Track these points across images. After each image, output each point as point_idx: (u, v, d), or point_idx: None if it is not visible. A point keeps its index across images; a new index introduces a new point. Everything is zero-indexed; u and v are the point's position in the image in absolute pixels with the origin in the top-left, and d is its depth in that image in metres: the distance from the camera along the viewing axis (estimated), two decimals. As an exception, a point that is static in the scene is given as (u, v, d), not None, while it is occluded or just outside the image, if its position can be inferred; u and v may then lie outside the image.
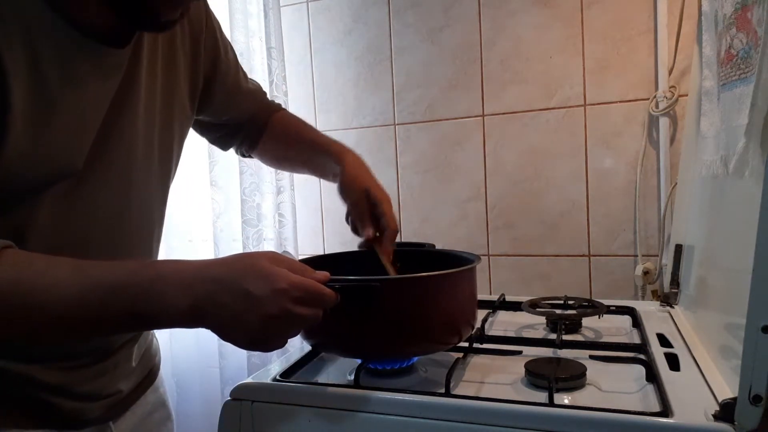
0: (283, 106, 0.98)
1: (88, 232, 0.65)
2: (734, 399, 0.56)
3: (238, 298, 0.54)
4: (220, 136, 0.93)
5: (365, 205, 0.84)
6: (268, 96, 0.99)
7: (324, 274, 0.60)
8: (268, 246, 1.47)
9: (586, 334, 0.93)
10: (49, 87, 0.57)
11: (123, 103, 0.65)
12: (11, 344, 0.63)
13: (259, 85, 0.95)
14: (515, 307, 1.03)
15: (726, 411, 0.56)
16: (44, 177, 0.58)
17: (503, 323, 1.01)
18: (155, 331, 0.89)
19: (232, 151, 0.98)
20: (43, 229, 0.60)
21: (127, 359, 0.77)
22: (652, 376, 0.70)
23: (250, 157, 0.97)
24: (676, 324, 0.93)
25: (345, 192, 0.86)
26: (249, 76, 0.94)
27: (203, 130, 0.93)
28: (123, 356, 0.75)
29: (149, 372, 0.84)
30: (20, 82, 0.54)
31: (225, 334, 0.57)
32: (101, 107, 0.63)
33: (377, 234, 0.85)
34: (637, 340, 0.88)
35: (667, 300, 1.04)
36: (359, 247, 0.86)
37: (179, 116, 0.76)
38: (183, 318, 0.55)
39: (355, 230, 0.88)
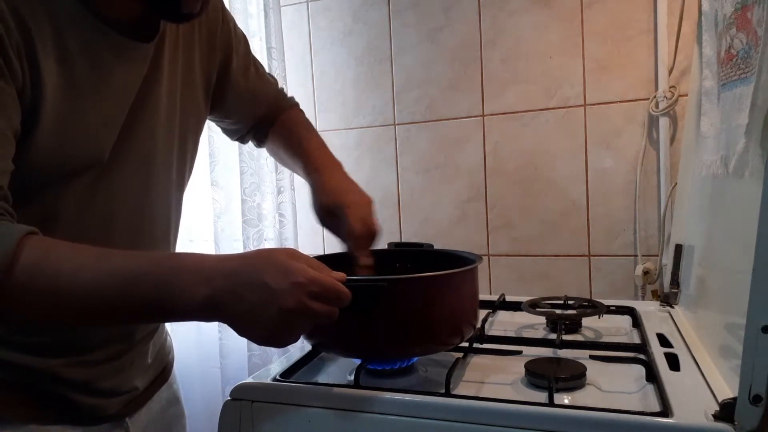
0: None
1: (110, 220, 0.66)
2: (734, 399, 0.56)
3: (256, 291, 0.55)
4: (240, 137, 0.95)
5: (330, 221, 0.82)
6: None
7: (340, 275, 0.60)
8: (269, 246, 1.47)
9: (586, 334, 0.93)
10: (79, 79, 0.59)
11: (147, 95, 0.67)
12: (32, 332, 0.64)
13: (273, 82, 0.94)
14: (515, 307, 1.03)
15: (726, 411, 0.56)
16: (72, 167, 0.60)
17: (503, 323, 1.01)
18: (169, 328, 0.90)
19: (232, 151, 0.99)
20: (68, 217, 0.62)
21: (143, 356, 0.78)
22: (652, 376, 0.70)
23: (262, 147, 0.97)
24: (676, 324, 0.93)
25: (313, 215, 0.84)
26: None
27: (224, 131, 0.95)
28: (139, 353, 0.76)
29: (163, 369, 0.85)
30: (52, 73, 0.56)
31: (240, 328, 0.57)
32: (127, 99, 0.64)
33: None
34: (637, 340, 0.88)
35: (667, 300, 1.04)
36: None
37: (195, 109, 0.77)
38: (200, 309, 0.55)
39: None
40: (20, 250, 0.51)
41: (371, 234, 0.80)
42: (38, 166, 0.57)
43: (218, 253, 1.45)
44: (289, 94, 0.95)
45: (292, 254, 0.58)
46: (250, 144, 0.99)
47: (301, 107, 0.97)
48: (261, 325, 0.56)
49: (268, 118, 0.92)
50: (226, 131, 0.95)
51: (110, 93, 0.62)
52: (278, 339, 0.58)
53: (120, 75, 0.63)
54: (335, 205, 0.80)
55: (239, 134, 0.94)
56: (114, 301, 0.54)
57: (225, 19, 0.81)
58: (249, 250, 1.44)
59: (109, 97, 0.62)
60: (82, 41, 0.59)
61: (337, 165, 0.86)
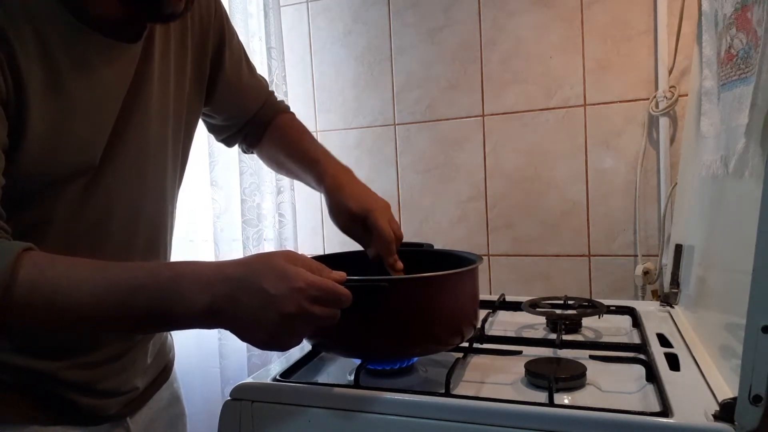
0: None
1: (104, 223, 0.66)
2: (734, 399, 0.56)
3: (255, 297, 0.55)
4: (226, 135, 0.94)
5: (355, 227, 0.83)
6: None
7: (341, 274, 0.60)
8: (269, 246, 1.47)
9: (586, 334, 0.93)
10: (64, 84, 0.58)
11: (136, 97, 0.66)
12: (34, 342, 0.64)
13: (264, 82, 0.94)
14: (515, 307, 1.03)
15: (726, 411, 0.56)
16: (63, 173, 0.60)
17: (503, 323, 1.01)
18: None
19: (232, 151, 0.98)
20: (62, 222, 0.61)
21: (144, 356, 0.77)
22: (652, 376, 0.70)
23: (251, 152, 0.97)
24: (676, 324, 0.93)
25: (333, 220, 0.84)
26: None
27: (209, 127, 0.93)
28: (139, 353, 0.76)
29: (164, 368, 0.85)
30: (36, 81, 0.56)
31: (242, 333, 0.57)
32: (115, 102, 0.64)
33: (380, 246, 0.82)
34: (637, 340, 0.88)
35: (667, 300, 1.04)
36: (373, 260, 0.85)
37: (189, 106, 0.77)
38: (201, 317, 0.55)
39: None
40: (18, 267, 0.50)
41: (399, 238, 0.82)
42: (30, 174, 0.57)
43: (217, 255, 1.45)
44: (289, 94, 0.95)
45: (291, 258, 0.58)
46: (249, 144, 0.99)
47: (301, 107, 0.97)
48: (262, 330, 0.56)
49: (261, 120, 0.91)
50: (213, 128, 0.93)
51: (98, 96, 0.61)
52: (280, 343, 0.58)
53: (107, 77, 0.62)
54: (363, 210, 0.81)
55: (227, 133, 0.92)
56: (114, 313, 0.54)
57: (218, 12, 0.81)
58: (248, 249, 1.44)
59: (97, 100, 0.61)
60: (66, 45, 0.58)
61: (349, 171, 0.87)
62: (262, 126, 0.92)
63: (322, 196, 0.86)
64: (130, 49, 0.64)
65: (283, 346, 0.59)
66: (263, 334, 0.56)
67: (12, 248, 0.51)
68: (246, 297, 0.55)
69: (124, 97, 0.64)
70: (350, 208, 0.81)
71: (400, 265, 0.82)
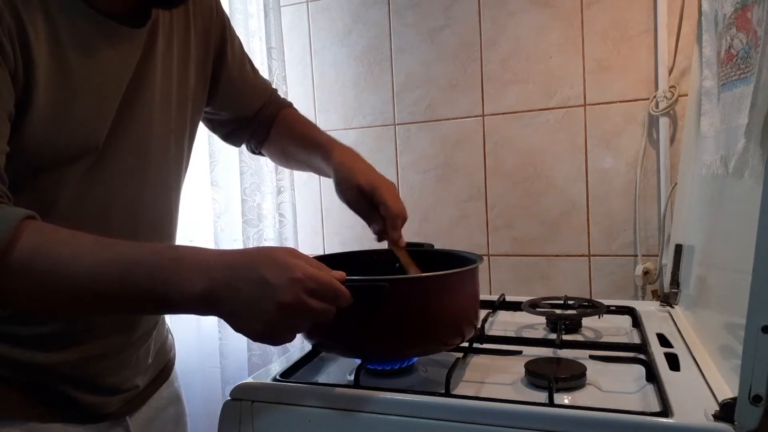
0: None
1: (107, 208, 0.66)
2: (734, 399, 0.56)
3: (253, 285, 0.55)
4: (229, 132, 0.94)
5: (362, 201, 0.83)
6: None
7: (340, 274, 0.60)
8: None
9: (586, 334, 0.93)
10: (70, 63, 0.59)
11: (140, 82, 0.67)
12: (31, 330, 0.64)
13: (267, 81, 0.96)
14: (515, 307, 1.03)
15: (726, 411, 0.56)
16: (66, 153, 0.60)
17: (503, 323, 1.01)
18: (170, 326, 0.90)
19: (233, 151, 0.98)
20: (65, 205, 0.62)
21: (145, 354, 0.78)
22: (652, 376, 0.70)
23: (261, 153, 0.97)
24: (676, 324, 0.93)
25: (340, 195, 0.84)
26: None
27: (213, 126, 0.93)
28: (140, 350, 0.76)
29: (164, 367, 0.85)
30: (44, 57, 0.56)
31: (236, 323, 0.57)
32: (120, 85, 0.64)
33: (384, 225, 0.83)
34: (637, 340, 0.88)
35: (667, 300, 1.04)
36: (379, 241, 0.85)
37: (192, 99, 0.77)
38: (198, 302, 0.55)
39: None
40: (19, 233, 0.50)
41: (405, 215, 0.83)
42: (33, 152, 0.57)
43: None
44: (289, 94, 0.95)
45: (292, 252, 0.59)
46: (250, 144, 0.99)
47: (301, 107, 0.97)
48: (258, 320, 0.56)
49: (267, 116, 0.92)
50: (214, 125, 0.93)
51: (103, 78, 0.62)
52: (275, 335, 0.58)
53: (112, 60, 0.63)
54: (371, 186, 0.81)
55: (230, 128, 0.93)
56: (111, 288, 0.54)
57: (219, 13, 0.82)
58: (249, 249, 1.44)
59: (101, 83, 0.62)
60: (73, 26, 0.59)
61: (357, 153, 0.88)
62: (268, 122, 0.92)
63: (331, 173, 0.86)
64: (135, 34, 0.65)
65: (277, 339, 0.59)
66: (259, 324, 0.56)
67: (16, 214, 0.52)
68: (244, 285, 0.55)
69: (128, 81, 0.65)
70: (359, 182, 0.82)
71: (403, 241, 0.83)
